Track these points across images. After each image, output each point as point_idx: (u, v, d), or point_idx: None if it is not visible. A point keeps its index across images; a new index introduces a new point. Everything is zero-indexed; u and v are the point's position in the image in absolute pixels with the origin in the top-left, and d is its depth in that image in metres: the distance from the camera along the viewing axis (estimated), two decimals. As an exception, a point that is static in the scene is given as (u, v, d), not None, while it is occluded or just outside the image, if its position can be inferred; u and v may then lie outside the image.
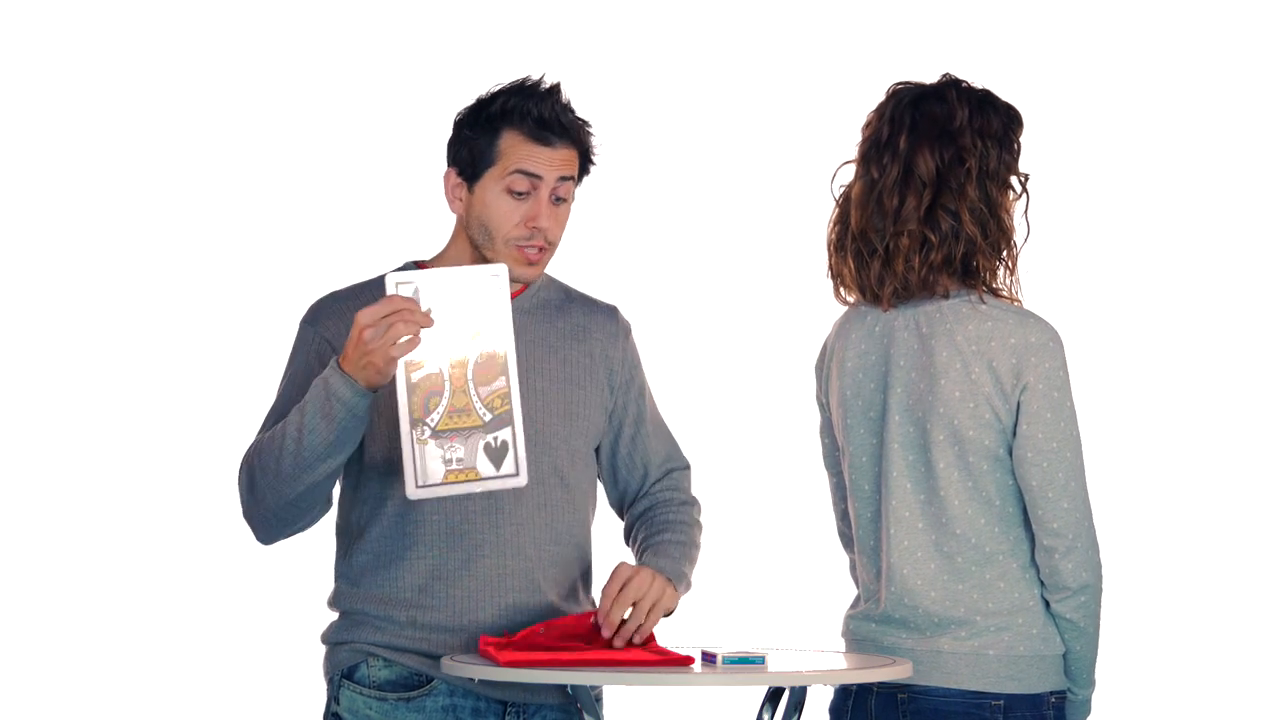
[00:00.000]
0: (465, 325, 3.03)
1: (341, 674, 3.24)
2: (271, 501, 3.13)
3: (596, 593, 3.36)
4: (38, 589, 5.54)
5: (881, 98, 3.33)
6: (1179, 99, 5.55)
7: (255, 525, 3.19)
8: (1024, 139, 3.34)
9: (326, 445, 3.06)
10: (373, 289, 3.25)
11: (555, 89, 3.24)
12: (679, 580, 3.24)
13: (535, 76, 3.25)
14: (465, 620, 3.21)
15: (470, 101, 3.27)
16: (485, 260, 3.24)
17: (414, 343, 2.97)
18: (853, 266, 3.30)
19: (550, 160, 3.22)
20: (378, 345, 2.95)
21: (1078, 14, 5.56)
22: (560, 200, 3.24)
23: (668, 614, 3.19)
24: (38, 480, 5.55)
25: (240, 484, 3.17)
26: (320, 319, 3.26)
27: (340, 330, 3.21)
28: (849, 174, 3.34)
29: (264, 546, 3.28)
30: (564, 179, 3.23)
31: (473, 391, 3.04)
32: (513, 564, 3.23)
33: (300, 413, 3.06)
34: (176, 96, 5.55)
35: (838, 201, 3.34)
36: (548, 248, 3.24)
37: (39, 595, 5.54)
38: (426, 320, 2.97)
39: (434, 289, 3.02)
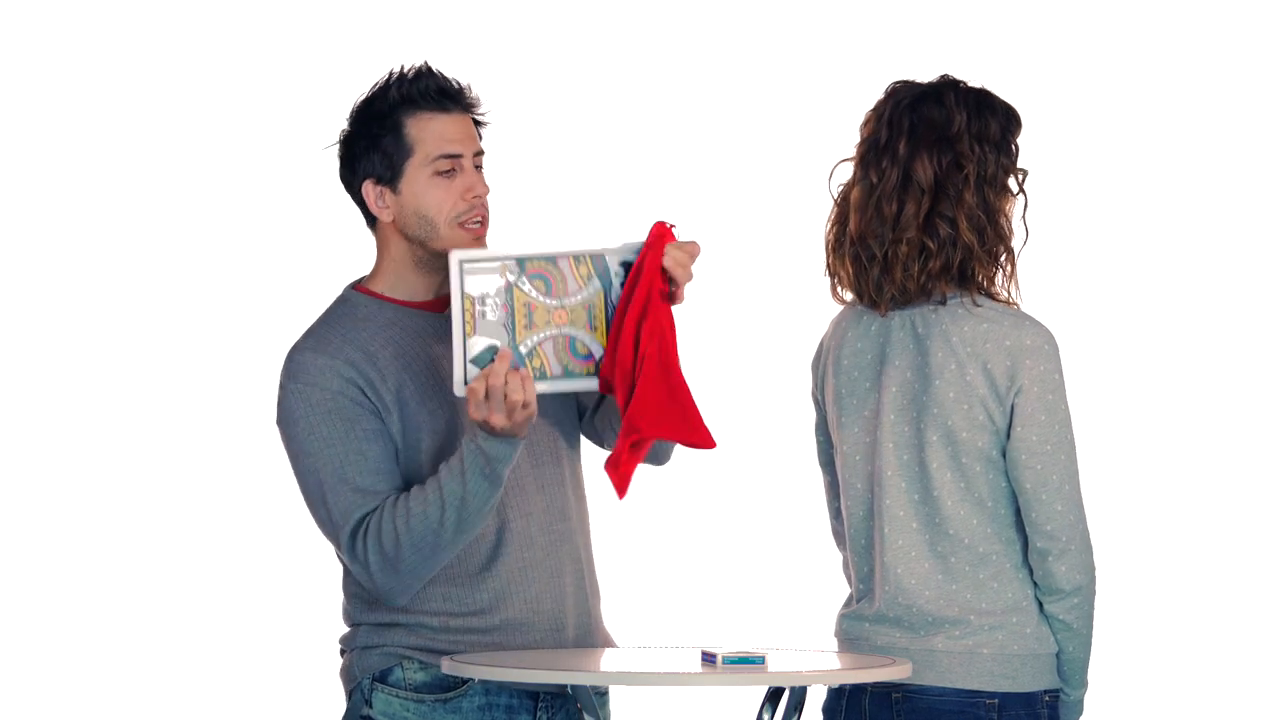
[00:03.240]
0: (506, 319, 3.10)
1: (373, 677, 3.22)
2: (426, 569, 3.13)
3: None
4: (46, 596, 5.54)
5: (879, 95, 3.33)
6: (1177, 100, 5.55)
7: (396, 592, 3.16)
8: (1023, 139, 3.34)
9: (492, 502, 3.10)
10: (334, 323, 3.23)
11: (428, 66, 3.23)
12: None
13: (398, 69, 3.23)
14: (497, 620, 3.21)
15: (352, 110, 3.25)
16: (429, 254, 3.23)
17: (528, 380, 3.03)
18: (851, 271, 3.30)
19: (462, 132, 3.22)
20: (508, 413, 3.02)
21: (1077, 14, 5.56)
22: (478, 167, 3.24)
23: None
24: (45, 490, 5.56)
25: (370, 566, 3.12)
26: (309, 377, 3.19)
27: (334, 380, 3.17)
28: (845, 171, 3.34)
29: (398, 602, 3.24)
30: (478, 153, 3.24)
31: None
32: (529, 555, 3.23)
33: (458, 482, 3.07)
34: (168, 99, 5.56)
35: (836, 201, 3.34)
36: (486, 219, 3.23)
37: (48, 602, 5.54)
38: (517, 370, 3.04)
39: (470, 344, 3.07)
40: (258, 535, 5.52)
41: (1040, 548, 3.21)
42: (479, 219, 3.22)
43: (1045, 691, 3.26)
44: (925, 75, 3.33)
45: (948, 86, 3.29)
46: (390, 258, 3.27)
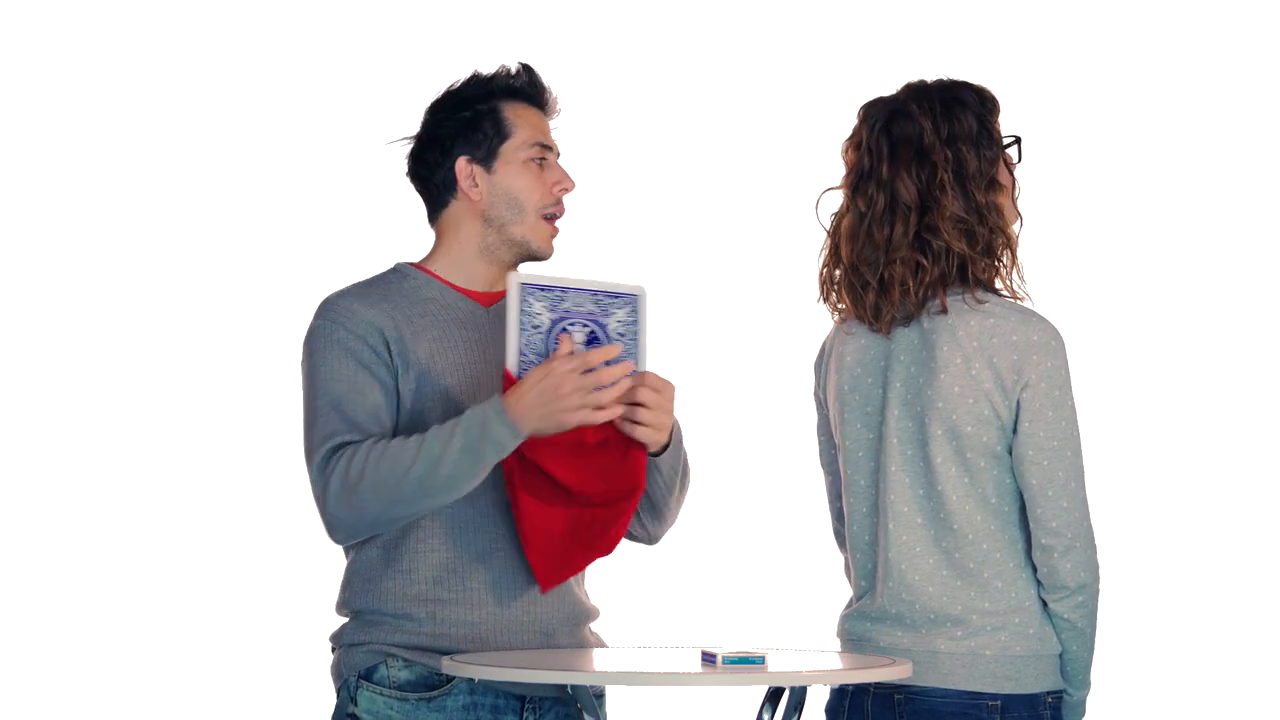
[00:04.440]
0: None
1: (359, 675, 3.22)
2: (375, 514, 3.10)
3: (590, 586, 3.38)
4: (44, 595, 5.55)
5: (857, 118, 3.32)
6: (1180, 98, 5.55)
7: (342, 525, 3.14)
8: (1026, 136, 3.33)
9: (464, 479, 3.07)
10: (380, 285, 3.26)
11: (528, 65, 3.31)
12: (678, 438, 3.23)
13: (489, 67, 3.31)
14: (484, 613, 3.21)
15: (440, 96, 3.31)
16: (502, 240, 3.27)
17: (619, 406, 3.03)
18: (848, 299, 3.31)
19: (549, 129, 3.31)
20: (578, 401, 3.00)
21: (1078, 13, 5.56)
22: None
23: (659, 449, 3.17)
24: (46, 489, 5.56)
25: (330, 487, 3.11)
26: (339, 317, 3.21)
27: (362, 326, 3.19)
28: (830, 200, 3.35)
29: (337, 545, 3.23)
30: (558, 154, 3.32)
31: None
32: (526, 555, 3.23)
33: (442, 443, 3.05)
34: (175, 97, 5.56)
35: (828, 233, 3.34)
36: (561, 214, 3.31)
37: (45, 601, 5.55)
38: (625, 367, 3.04)
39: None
40: (255, 533, 5.52)
41: (1045, 544, 3.20)
42: (558, 215, 3.30)
43: (1048, 693, 3.25)
44: (927, 77, 3.32)
45: (911, 96, 3.28)
46: (456, 241, 3.30)
